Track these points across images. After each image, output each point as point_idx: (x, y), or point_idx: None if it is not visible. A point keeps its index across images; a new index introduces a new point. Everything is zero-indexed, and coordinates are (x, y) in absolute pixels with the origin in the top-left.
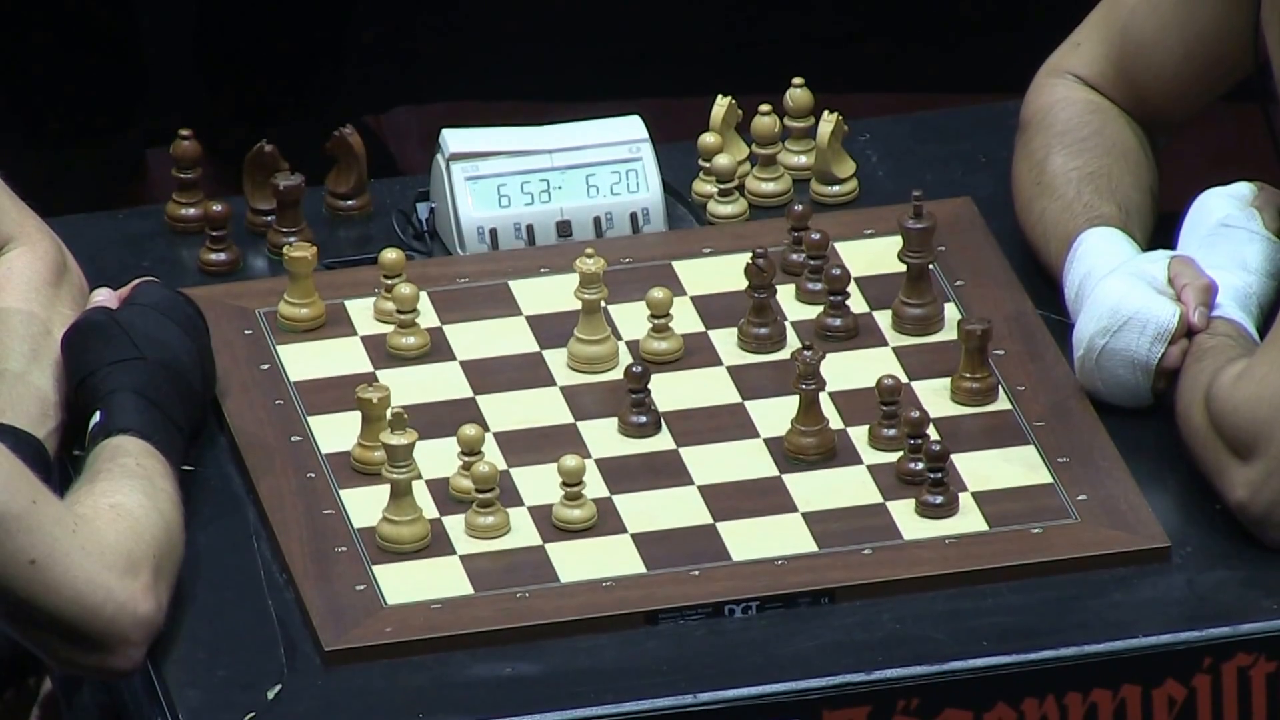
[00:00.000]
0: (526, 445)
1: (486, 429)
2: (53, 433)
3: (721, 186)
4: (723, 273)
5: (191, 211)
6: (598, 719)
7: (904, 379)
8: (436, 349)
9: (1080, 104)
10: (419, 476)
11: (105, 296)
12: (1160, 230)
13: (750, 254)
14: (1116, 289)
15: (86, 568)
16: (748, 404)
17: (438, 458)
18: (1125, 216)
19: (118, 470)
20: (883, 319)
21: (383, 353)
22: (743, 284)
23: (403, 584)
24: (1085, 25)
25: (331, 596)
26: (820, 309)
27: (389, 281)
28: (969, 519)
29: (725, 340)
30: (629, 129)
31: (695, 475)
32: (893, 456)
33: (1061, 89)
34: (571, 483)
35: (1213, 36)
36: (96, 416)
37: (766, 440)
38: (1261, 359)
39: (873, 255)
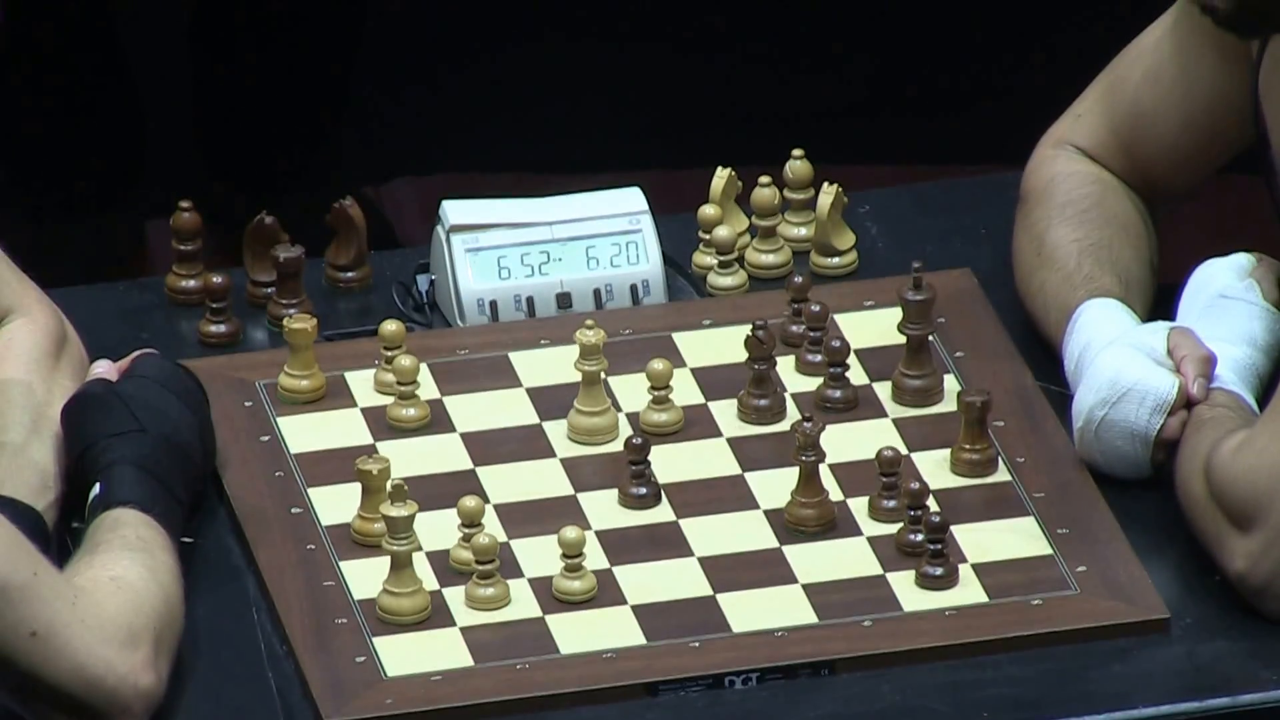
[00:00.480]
0: (526, 517)
1: (487, 500)
2: (52, 505)
3: (721, 258)
4: (723, 344)
5: (191, 283)
6: None
7: (904, 450)
8: (436, 420)
9: (1081, 176)
10: (419, 548)
11: (105, 369)
12: (1159, 301)
13: (750, 326)
14: (1115, 360)
15: (87, 640)
16: (748, 475)
17: (438, 529)
18: (1125, 288)
19: (117, 543)
20: (883, 390)
21: (383, 424)
22: (743, 356)
23: (403, 656)
24: (1085, 97)
25: (331, 668)
26: (820, 381)
27: (389, 353)
28: (969, 590)
29: (725, 412)
30: (629, 201)
31: (695, 547)
32: (893, 528)
33: (1062, 160)
34: (572, 554)
35: (1212, 108)
36: (96, 489)
37: (766, 512)
38: (1262, 430)
39: (873, 327)
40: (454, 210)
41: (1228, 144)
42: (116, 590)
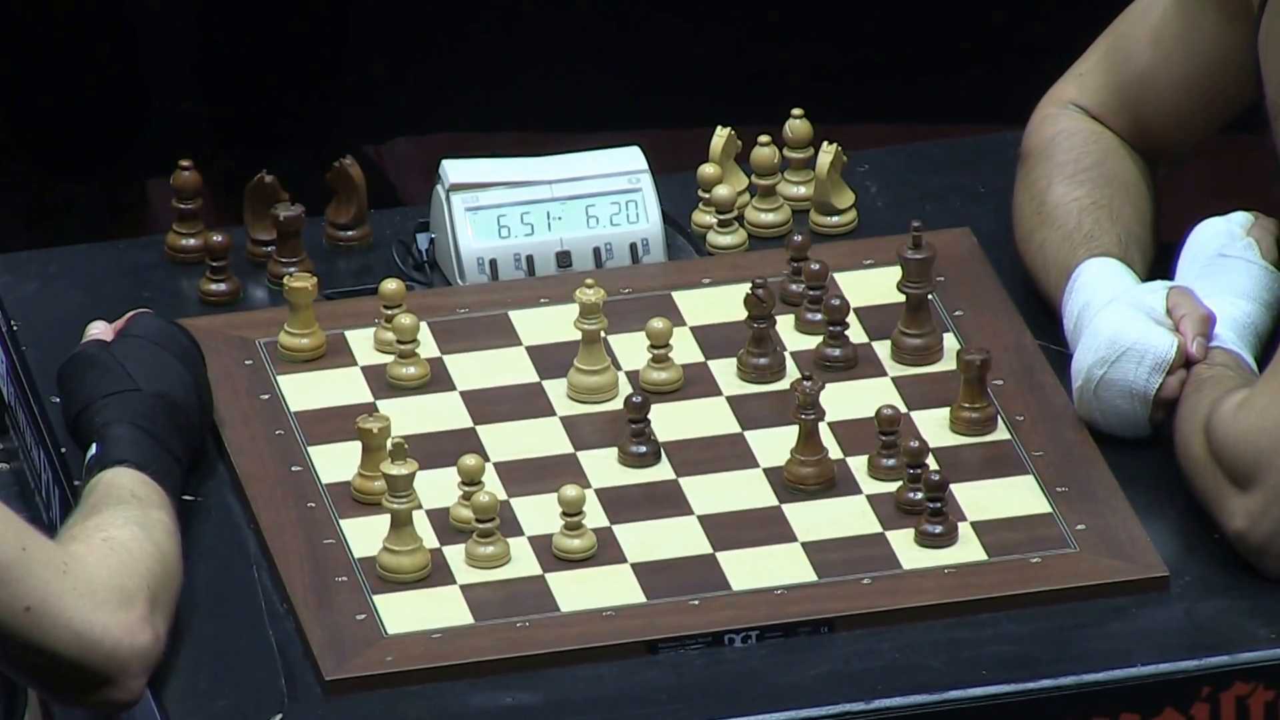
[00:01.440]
0: (526, 475)
1: (487, 459)
2: None
3: (721, 217)
4: (722, 303)
5: (192, 242)
6: None
7: (903, 409)
8: (436, 379)
9: (1083, 135)
10: (419, 506)
11: (100, 329)
12: (1158, 260)
13: (750, 284)
14: (1114, 320)
15: (81, 607)
16: (747, 434)
17: (438, 488)
18: (1125, 247)
19: (113, 502)
20: (882, 349)
21: (383, 383)
22: (742, 314)
23: (403, 614)
24: (1088, 56)
25: (332, 626)
26: (819, 339)
27: (389, 312)
28: (968, 549)
29: (725, 370)
30: (629, 160)
31: (695, 505)
32: (892, 486)
33: (1064, 120)
34: (571, 513)
35: (1213, 66)
36: (93, 448)
37: (766, 470)
38: (1263, 389)
39: (872, 285)
40: (453, 170)
41: (1229, 102)
42: (109, 552)
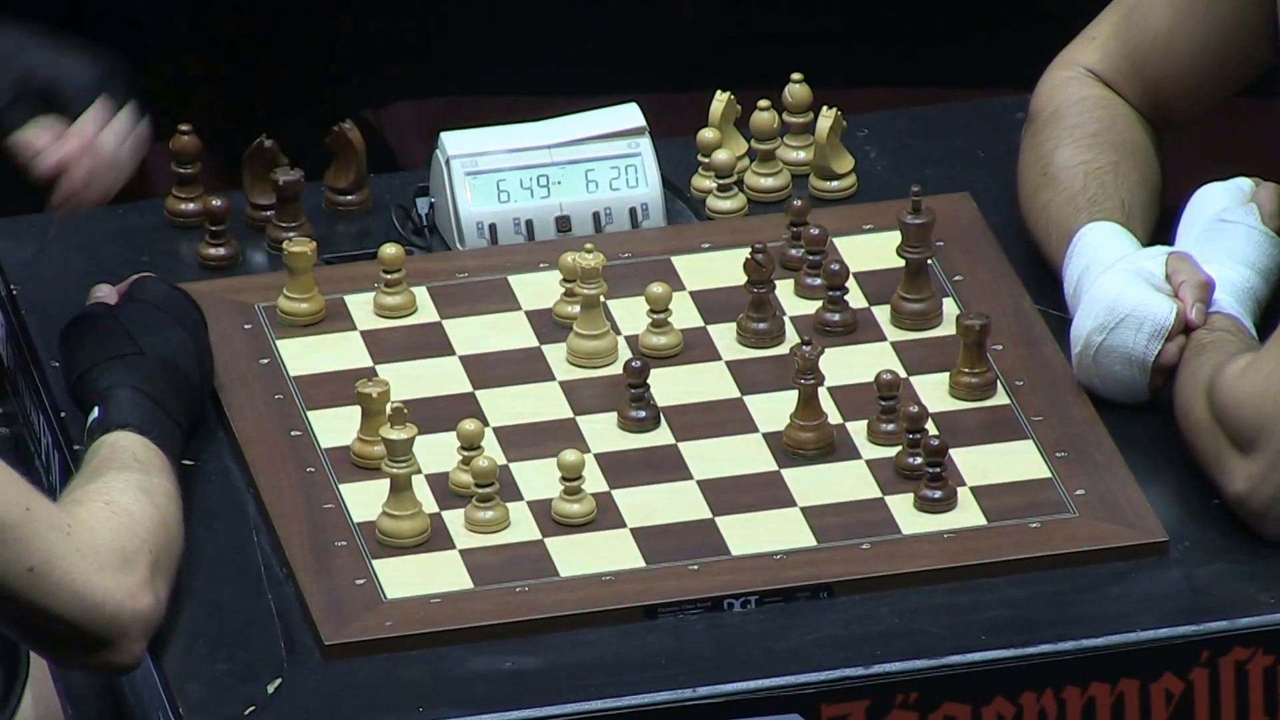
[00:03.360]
0: (526, 440)
1: (486, 424)
2: None
3: (720, 182)
4: (722, 268)
5: (191, 206)
6: (597, 713)
7: (902, 374)
8: (436, 344)
9: (1093, 100)
10: (418, 471)
11: (105, 293)
12: (1158, 224)
13: (749, 249)
14: (1114, 285)
15: (83, 569)
16: (746, 399)
17: (437, 452)
18: (1128, 213)
19: (115, 466)
20: (881, 314)
21: (383, 347)
22: (742, 279)
23: (402, 578)
24: (1101, 20)
25: (331, 591)
26: (819, 304)
27: (388, 276)
28: (967, 513)
29: (724, 335)
30: (626, 117)
31: (694, 470)
32: (891, 451)
33: (1075, 83)
34: (571, 477)
35: (1229, 31)
36: (95, 412)
37: (765, 435)
38: (1268, 354)
39: (872, 250)
40: (452, 142)
41: (1243, 67)
42: (111, 515)
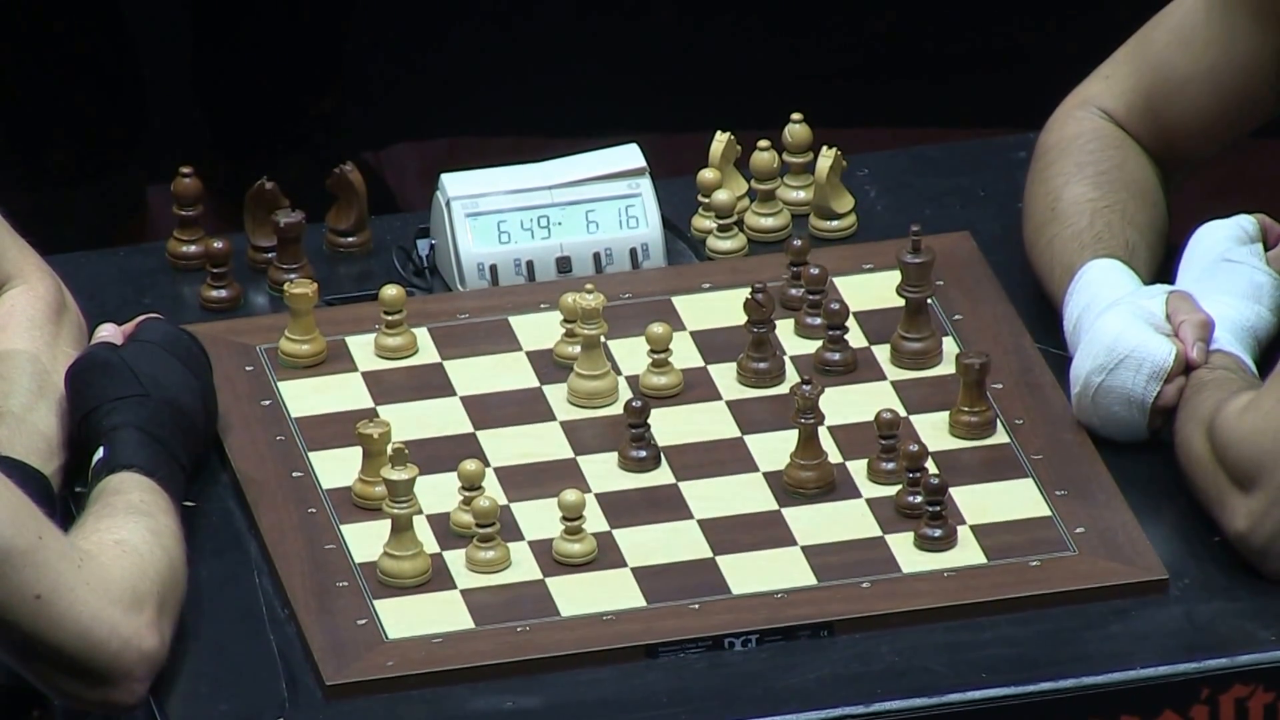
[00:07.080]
0: (527, 480)
1: (487, 464)
2: (57, 471)
3: (721, 222)
4: (722, 308)
5: (192, 249)
6: None
7: (902, 413)
8: (437, 384)
9: (1104, 138)
10: (420, 511)
11: (110, 332)
12: (1162, 264)
13: (749, 289)
14: (1113, 326)
15: (92, 603)
16: (747, 438)
17: (438, 493)
18: (1132, 252)
19: (121, 506)
20: (881, 353)
21: (384, 388)
22: (742, 319)
23: (404, 618)
24: (1114, 59)
25: (333, 630)
26: (819, 343)
27: (389, 317)
28: (967, 552)
29: (724, 375)
30: (627, 158)
31: (695, 509)
32: (891, 490)
33: (1087, 121)
34: (572, 517)
35: (1242, 72)
36: (100, 452)
37: (766, 474)
38: (1269, 392)
39: (872, 289)
40: (452, 183)
41: (1256, 108)
42: (121, 554)
